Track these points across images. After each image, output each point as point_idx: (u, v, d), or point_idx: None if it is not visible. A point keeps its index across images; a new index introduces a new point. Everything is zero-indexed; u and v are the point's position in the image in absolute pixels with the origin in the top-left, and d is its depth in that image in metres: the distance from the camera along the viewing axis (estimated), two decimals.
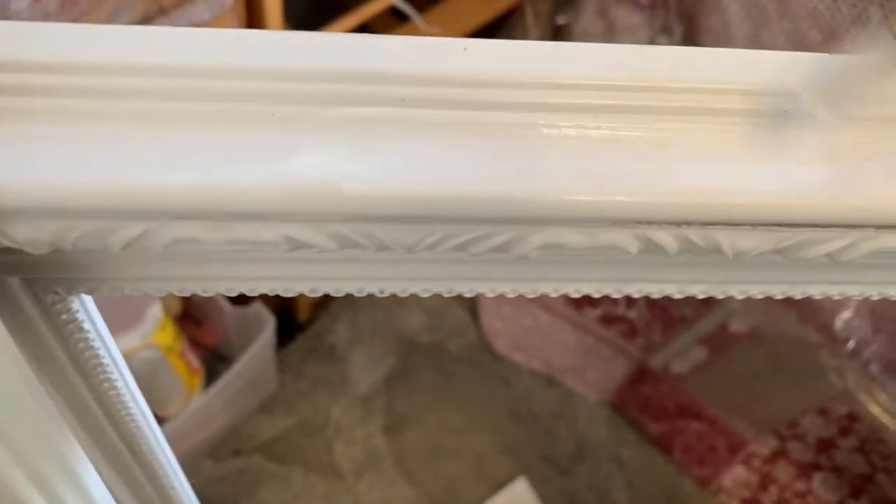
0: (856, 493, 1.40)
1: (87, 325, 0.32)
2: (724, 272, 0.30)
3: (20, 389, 0.26)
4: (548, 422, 1.50)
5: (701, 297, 0.32)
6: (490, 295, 0.32)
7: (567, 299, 1.53)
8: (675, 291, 0.32)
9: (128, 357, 1.10)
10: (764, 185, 0.23)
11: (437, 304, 1.58)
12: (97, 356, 0.34)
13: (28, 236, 0.23)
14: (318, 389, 1.44)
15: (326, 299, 1.50)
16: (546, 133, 0.24)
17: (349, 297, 1.53)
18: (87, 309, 0.32)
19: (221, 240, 0.24)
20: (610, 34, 1.15)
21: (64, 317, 0.31)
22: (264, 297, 1.25)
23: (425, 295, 0.32)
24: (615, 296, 0.32)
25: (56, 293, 0.30)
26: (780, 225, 0.24)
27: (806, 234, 0.25)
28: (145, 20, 0.69)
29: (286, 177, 0.22)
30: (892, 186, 0.24)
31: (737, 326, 1.36)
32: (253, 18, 0.83)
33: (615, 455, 1.49)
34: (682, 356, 1.46)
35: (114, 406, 0.38)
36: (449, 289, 0.31)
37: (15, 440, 0.26)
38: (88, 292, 0.30)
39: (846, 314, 1.17)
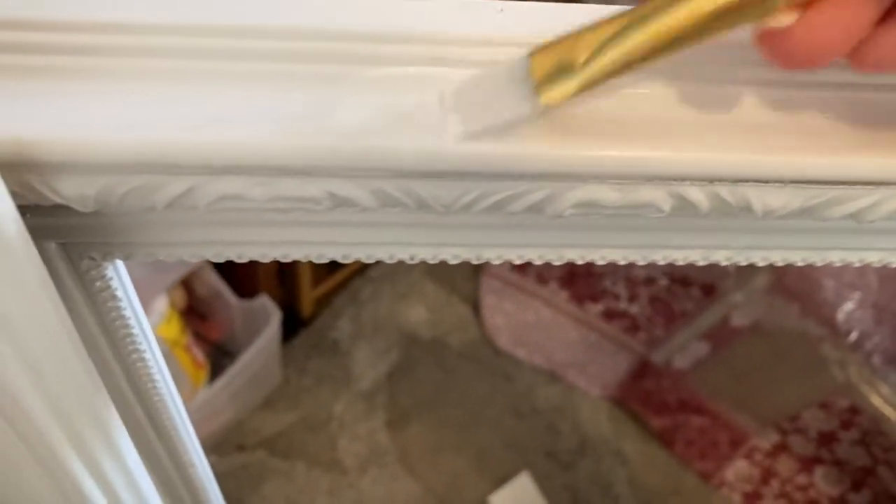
0: (857, 486, 1.41)
1: (119, 293, 0.33)
2: (747, 237, 0.31)
3: (68, 350, 0.27)
4: (550, 417, 1.51)
5: (724, 263, 0.33)
6: (517, 261, 0.32)
7: (569, 295, 1.54)
8: (700, 258, 0.32)
9: None
10: (791, 142, 0.24)
11: (438, 300, 1.58)
12: (128, 326, 0.35)
13: (76, 192, 0.24)
14: (322, 385, 1.44)
15: (329, 295, 1.50)
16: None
17: (352, 293, 1.53)
18: (121, 277, 0.33)
19: (265, 196, 0.24)
20: None
21: (98, 284, 0.32)
22: (270, 293, 1.25)
23: (454, 261, 0.32)
24: (640, 263, 0.32)
25: (91, 258, 0.30)
26: (809, 182, 0.25)
27: (834, 192, 0.25)
28: None
29: (331, 132, 0.23)
30: None
31: (738, 320, 1.37)
32: None
33: (617, 450, 1.50)
34: (683, 351, 1.47)
35: (140, 379, 0.38)
36: (477, 255, 0.32)
37: (58, 398, 0.27)
38: (124, 258, 0.31)
39: (848, 306, 1.18)
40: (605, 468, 1.48)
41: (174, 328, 1.12)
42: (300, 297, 1.40)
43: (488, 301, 1.57)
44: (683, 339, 1.46)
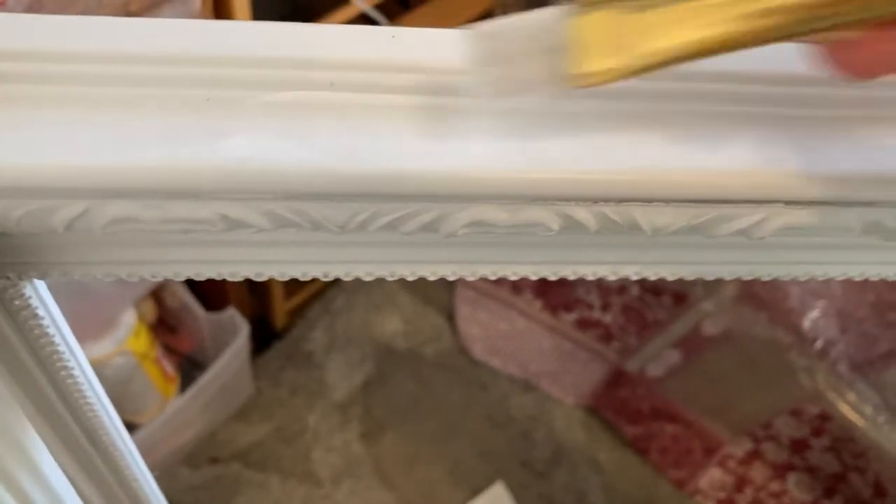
0: (829, 492, 1.42)
1: (41, 312, 0.33)
2: (653, 253, 0.32)
3: None
4: (525, 426, 1.51)
5: (634, 277, 0.33)
6: (431, 278, 0.33)
7: (543, 304, 1.55)
8: (609, 273, 0.33)
9: (102, 364, 1.10)
10: (675, 161, 0.25)
11: (413, 311, 1.59)
12: (53, 343, 0.35)
13: None
14: (296, 396, 1.44)
15: (303, 306, 1.51)
16: (460, 111, 0.25)
17: (326, 304, 1.54)
18: (40, 295, 0.33)
19: (159, 218, 0.25)
20: None
21: (17, 303, 0.32)
22: (241, 305, 1.25)
23: (368, 279, 0.33)
24: (552, 278, 0.33)
25: (7, 278, 0.31)
26: (689, 201, 0.25)
27: (717, 211, 0.26)
28: None
29: (218, 155, 0.23)
30: (801, 162, 0.25)
31: (709, 329, 1.38)
32: None
33: (592, 458, 1.50)
34: (656, 359, 1.48)
35: (71, 394, 0.39)
36: (391, 272, 0.32)
37: None
38: (40, 277, 0.31)
39: (814, 314, 1.19)
40: (580, 477, 1.48)
41: (143, 341, 1.12)
42: (273, 308, 1.40)
43: (463, 311, 1.58)
44: (656, 347, 1.47)
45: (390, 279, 0.33)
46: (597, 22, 0.22)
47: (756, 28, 0.21)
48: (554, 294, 1.55)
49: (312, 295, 1.51)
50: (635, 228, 0.27)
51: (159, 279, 0.31)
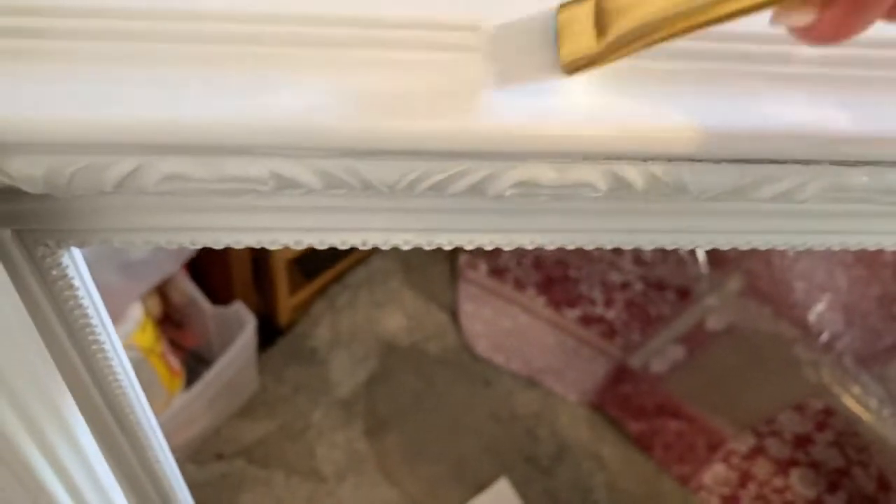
0: (833, 487, 1.42)
1: (76, 282, 0.33)
2: (691, 220, 0.32)
3: (21, 338, 0.27)
4: (528, 422, 1.51)
5: (670, 247, 0.34)
6: (468, 247, 0.33)
7: (547, 300, 1.55)
8: (647, 243, 0.33)
9: None
10: (723, 120, 0.25)
11: (417, 307, 1.59)
12: (86, 315, 0.35)
13: (24, 172, 0.24)
14: (300, 393, 1.44)
15: (307, 302, 1.50)
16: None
17: (330, 301, 1.54)
18: (77, 265, 0.33)
19: (210, 176, 0.25)
20: None
21: (54, 272, 0.32)
22: (245, 302, 1.25)
23: (406, 247, 0.33)
24: (589, 247, 0.33)
25: (46, 246, 0.31)
26: (736, 161, 0.26)
27: (763, 171, 0.26)
28: None
29: (270, 110, 0.23)
30: (849, 121, 0.26)
31: (713, 324, 1.38)
32: None
33: (596, 454, 1.51)
34: (660, 355, 1.48)
35: (101, 369, 0.39)
36: (429, 240, 0.32)
37: (12, 387, 0.27)
38: (79, 245, 0.31)
39: (819, 307, 1.19)
40: (584, 473, 1.48)
41: (149, 336, 1.12)
42: (277, 305, 1.40)
43: (466, 308, 1.58)
44: (660, 343, 1.48)
45: (427, 248, 0.33)
46: (577, 13, 0.24)
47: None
48: (557, 290, 1.55)
49: (316, 291, 1.51)
50: (681, 190, 0.27)
51: (198, 246, 0.31)
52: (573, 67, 0.24)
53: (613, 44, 0.23)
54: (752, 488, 1.48)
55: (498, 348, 1.56)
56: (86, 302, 0.34)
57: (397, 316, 1.56)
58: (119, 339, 0.39)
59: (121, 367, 0.40)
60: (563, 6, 0.25)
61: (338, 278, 1.55)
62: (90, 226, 0.30)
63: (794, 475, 1.46)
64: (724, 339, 1.38)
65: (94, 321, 0.36)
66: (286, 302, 1.42)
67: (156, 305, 1.19)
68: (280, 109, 0.23)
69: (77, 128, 0.23)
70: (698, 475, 1.49)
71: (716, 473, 1.49)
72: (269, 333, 1.44)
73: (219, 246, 0.31)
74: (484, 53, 0.25)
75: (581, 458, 1.50)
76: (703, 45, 0.26)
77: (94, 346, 0.37)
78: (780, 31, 0.23)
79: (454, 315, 1.59)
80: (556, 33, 0.25)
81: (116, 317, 1.09)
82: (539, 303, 1.56)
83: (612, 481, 1.49)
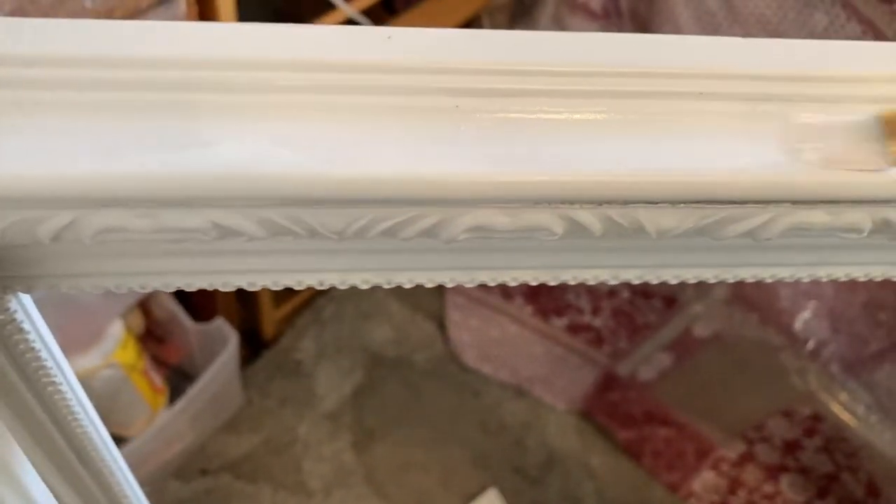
0: (822, 493, 1.42)
1: (26, 326, 0.32)
2: (654, 256, 0.31)
3: None
4: (517, 432, 1.51)
5: (636, 282, 0.33)
6: (429, 285, 0.32)
7: (534, 310, 1.54)
8: (610, 277, 0.33)
9: (89, 376, 1.09)
10: (679, 162, 0.24)
11: (403, 318, 1.58)
12: (39, 358, 0.34)
13: None
14: (285, 406, 1.43)
15: (292, 315, 1.49)
16: (466, 115, 0.24)
17: (315, 313, 1.53)
18: (26, 309, 0.32)
19: (149, 227, 0.24)
20: None
21: (1, 317, 0.31)
22: (229, 315, 1.24)
23: (364, 286, 0.32)
24: (552, 283, 0.32)
25: None
26: (695, 202, 0.25)
27: (724, 212, 0.26)
28: None
29: (209, 161, 0.22)
30: (794, 165, 0.25)
31: (700, 331, 1.38)
32: None
33: (585, 463, 1.50)
34: (648, 362, 1.47)
35: (59, 409, 0.38)
36: (388, 280, 0.32)
37: None
38: (25, 290, 0.30)
39: (805, 315, 1.19)
40: (574, 482, 1.48)
41: (130, 353, 1.10)
42: (262, 318, 1.39)
43: (454, 317, 1.57)
44: (647, 350, 1.47)
45: (387, 287, 0.32)
46: None
47: None
48: (545, 299, 1.54)
49: (301, 304, 1.49)
50: (640, 231, 0.26)
51: (149, 290, 0.30)
52: None
53: None
54: (741, 495, 1.48)
55: (486, 358, 1.55)
56: (37, 345, 0.34)
57: (384, 327, 1.55)
58: (76, 378, 0.38)
59: (79, 406, 0.39)
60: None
61: (323, 290, 1.54)
62: (34, 272, 0.29)
63: (784, 481, 1.45)
64: (711, 347, 1.38)
65: (49, 363, 0.35)
66: (271, 315, 1.41)
67: (138, 321, 1.18)
68: (215, 160, 0.23)
69: (6, 182, 0.22)
70: (688, 482, 1.49)
71: (705, 481, 1.49)
72: (253, 346, 1.43)
73: (170, 289, 0.30)
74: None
75: (570, 467, 1.49)
76: (637, 87, 0.25)
77: (49, 388, 0.36)
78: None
79: (441, 325, 1.58)
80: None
81: (97, 334, 1.08)
82: (526, 312, 1.55)
83: (601, 490, 1.48)
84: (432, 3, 1.27)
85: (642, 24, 1.13)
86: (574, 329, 1.53)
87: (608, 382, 1.52)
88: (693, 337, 1.39)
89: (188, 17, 0.75)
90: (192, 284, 0.30)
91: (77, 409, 0.39)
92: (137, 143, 0.23)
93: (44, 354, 0.34)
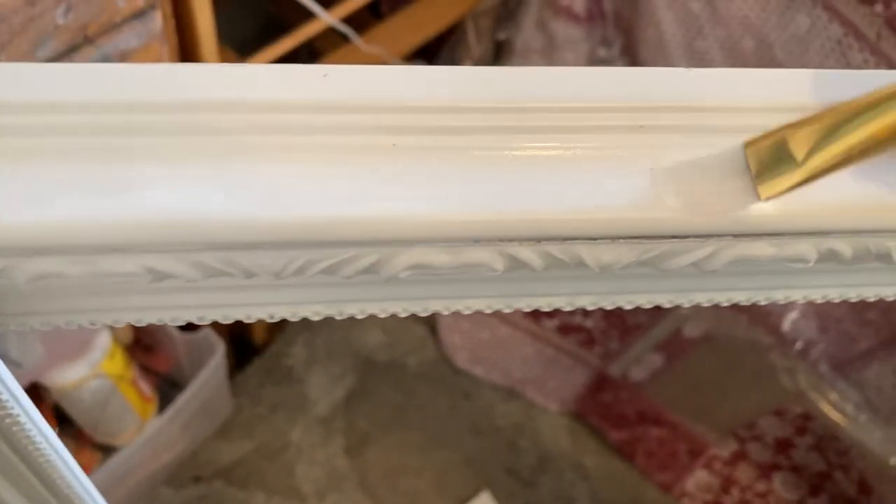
0: (815, 491, 1.42)
1: None
2: (605, 284, 0.31)
3: None
4: (510, 434, 1.51)
5: (591, 307, 0.33)
6: (382, 315, 0.32)
7: (525, 311, 1.54)
8: (565, 304, 0.32)
9: (78, 388, 1.09)
10: (611, 199, 0.24)
11: (394, 321, 1.58)
12: None
13: None
14: (277, 412, 1.43)
15: (282, 321, 1.49)
16: (403, 154, 0.24)
17: (305, 318, 1.52)
18: None
19: (84, 273, 0.24)
20: (550, 48, 1.16)
21: None
22: (218, 322, 1.24)
23: (316, 318, 0.32)
24: (506, 311, 0.32)
25: None
26: (635, 238, 0.25)
27: (665, 246, 0.25)
28: (71, 49, 0.68)
29: (136, 207, 0.22)
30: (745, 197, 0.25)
31: (690, 331, 1.37)
32: (185, 43, 0.83)
33: (578, 464, 1.50)
34: (639, 363, 1.47)
35: (20, 442, 0.38)
36: (339, 311, 0.32)
37: None
38: None
39: (793, 315, 1.19)
40: (567, 483, 1.48)
41: (118, 363, 1.10)
42: (252, 324, 1.39)
43: (445, 320, 1.57)
44: (638, 351, 1.47)
45: (339, 318, 0.32)
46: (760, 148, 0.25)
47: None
48: None
49: None
50: (582, 266, 0.26)
51: (98, 326, 0.30)
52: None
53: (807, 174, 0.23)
54: (735, 493, 1.48)
55: (477, 360, 1.55)
56: None
57: (375, 331, 1.55)
58: (35, 410, 0.38)
59: (41, 437, 0.39)
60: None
61: None
62: None
63: (777, 479, 1.45)
64: (701, 347, 1.38)
65: (5, 396, 0.35)
66: (261, 321, 1.40)
67: (125, 331, 1.18)
68: (144, 205, 0.22)
69: None
70: (681, 482, 1.49)
71: (698, 480, 1.49)
72: (244, 353, 1.43)
73: (120, 324, 0.30)
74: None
75: (563, 468, 1.49)
76: (570, 122, 0.25)
77: (7, 421, 0.36)
78: None
79: (432, 328, 1.58)
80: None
81: (84, 345, 1.08)
82: (517, 314, 1.55)
83: (594, 491, 1.48)
84: (418, 8, 1.27)
85: (626, 27, 1.13)
86: (565, 330, 1.53)
87: (600, 383, 1.51)
88: (684, 337, 1.39)
89: (164, 31, 0.75)
90: (141, 320, 0.30)
91: (39, 439, 0.38)
92: (66, 190, 0.23)
93: None
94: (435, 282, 0.31)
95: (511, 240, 0.25)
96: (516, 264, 0.26)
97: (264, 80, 0.25)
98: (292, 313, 0.31)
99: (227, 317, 0.30)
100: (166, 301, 0.30)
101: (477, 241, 0.25)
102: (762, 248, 0.26)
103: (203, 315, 0.30)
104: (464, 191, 0.24)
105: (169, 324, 0.30)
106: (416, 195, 0.24)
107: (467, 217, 0.24)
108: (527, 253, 0.25)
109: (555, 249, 0.25)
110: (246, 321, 0.31)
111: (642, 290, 0.32)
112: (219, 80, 0.24)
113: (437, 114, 0.25)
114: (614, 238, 0.25)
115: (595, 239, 0.25)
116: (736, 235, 0.26)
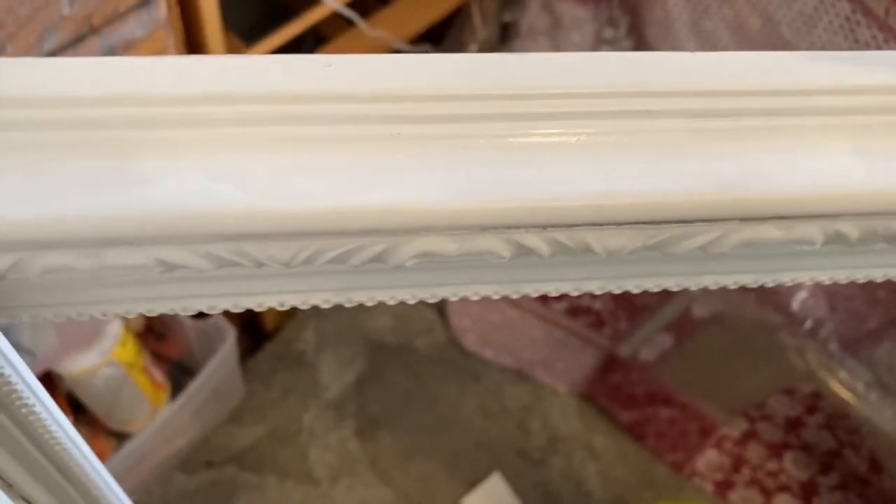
0: (825, 469, 1.42)
1: None
2: (612, 269, 0.31)
3: None
4: (519, 416, 1.51)
5: (598, 292, 0.33)
6: (391, 302, 0.32)
7: None
8: (572, 289, 0.33)
9: (90, 375, 1.10)
10: (617, 185, 0.24)
11: (403, 305, 1.58)
12: (10, 383, 0.34)
13: None
14: (289, 397, 1.44)
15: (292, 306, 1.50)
16: (406, 143, 0.24)
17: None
18: None
19: (94, 266, 0.24)
20: (556, 29, 1.15)
21: None
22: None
23: (326, 306, 0.32)
24: (514, 297, 0.32)
25: None
26: (641, 223, 0.25)
27: (671, 231, 0.26)
28: (76, 40, 0.69)
29: (146, 200, 0.23)
30: (750, 179, 0.25)
31: (699, 311, 1.37)
32: (190, 31, 0.83)
33: (588, 445, 1.50)
34: (649, 344, 1.47)
35: (36, 430, 0.38)
36: (348, 299, 0.32)
37: None
38: None
39: (802, 294, 1.19)
40: (577, 464, 1.48)
41: (130, 350, 1.11)
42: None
43: (454, 304, 1.57)
44: (648, 331, 1.47)
45: (348, 306, 0.32)
46: None
47: None
48: None
49: None
50: (589, 251, 0.26)
51: (110, 317, 0.31)
52: None
53: None
54: (745, 472, 1.48)
55: (487, 343, 1.56)
56: (7, 370, 0.34)
57: (384, 315, 1.56)
58: (50, 398, 0.38)
59: (56, 425, 0.39)
60: None
61: None
62: None
63: (787, 458, 1.46)
64: (710, 327, 1.38)
65: (20, 387, 0.35)
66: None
67: (137, 319, 1.19)
68: (154, 198, 0.23)
69: None
70: (691, 462, 1.49)
71: (709, 459, 1.49)
72: (255, 338, 1.44)
73: (131, 315, 0.31)
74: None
75: (573, 448, 1.50)
76: (577, 108, 0.25)
77: (24, 410, 0.36)
78: None
79: (441, 311, 1.58)
80: None
81: (96, 333, 1.09)
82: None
83: (604, 471, 1.49)
84: None
85: (632, 6, 1.12)
86: (574, 312, 1.53)
87: (609, 364, 1.52)
88: (693, 317, 1.39)
89: (169, 20, 0.75)
90: (152, 310, 0.30)
91: (54, 427, 0.39)
92: (76, 184, 0.23)
93: (14, 378, 0.35)
94: (442, 269, 0.31)
95: (517, 227, 0.25)
96: (523, 251, 0.26)
97: (270, 71, 0.25)
98: (302, 301, 0.31)
99: (238, 306, 0.31)
100: (177, 291, 0.30)
101: (483, 228, 0.25)
102: (769, 232, 0.26)
103: (214, 304, 0.31)
104: (470, 179, 0.24)
105: (180, 313, 0.31)
106: (422, 184, 0.24)
107: (474, 205, 0.24)
108: (533, 240, 0.25)
109: (561, 236, 0.25)
110: (257, 310, 0.31)
111: (650, 273, 0.32)
112: (225, 72, 0.25)
113: (442, 102, 0.25)
114: (621, 224, 0.25)
115: (601, 225, 0.25)
116: (742, 219, 0.26)
